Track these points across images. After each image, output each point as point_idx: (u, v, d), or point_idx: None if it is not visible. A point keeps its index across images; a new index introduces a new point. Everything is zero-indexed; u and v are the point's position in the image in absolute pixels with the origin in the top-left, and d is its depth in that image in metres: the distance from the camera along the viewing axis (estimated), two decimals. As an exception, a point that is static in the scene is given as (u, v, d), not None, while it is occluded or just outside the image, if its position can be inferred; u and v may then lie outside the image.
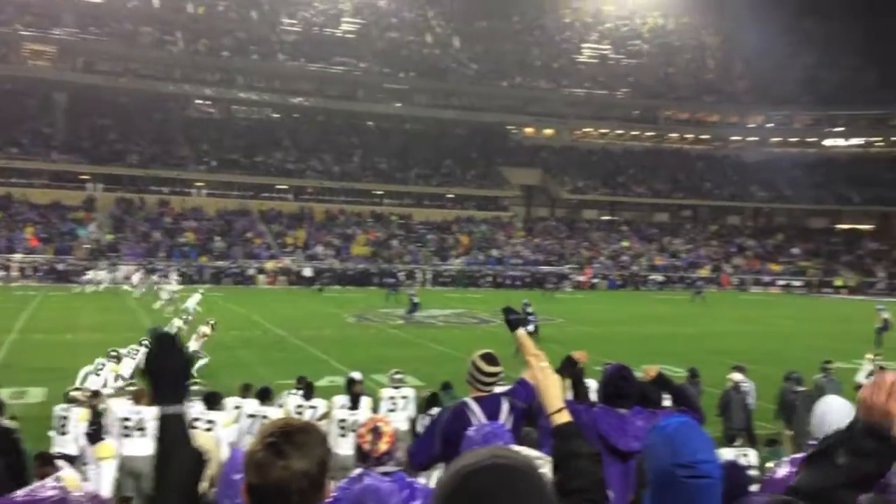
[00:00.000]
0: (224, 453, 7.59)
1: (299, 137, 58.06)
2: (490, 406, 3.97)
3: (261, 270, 44.07)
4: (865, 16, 62.87)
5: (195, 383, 9.22)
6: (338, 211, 53.63)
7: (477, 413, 3.92)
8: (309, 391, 9.38)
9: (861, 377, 13.17)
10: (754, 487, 3.56)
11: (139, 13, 57.05)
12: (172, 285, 30.73)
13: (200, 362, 15.70)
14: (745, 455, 8.29)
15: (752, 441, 10.53)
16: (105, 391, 10.17)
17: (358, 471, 3.31)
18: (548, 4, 72.23)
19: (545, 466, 2.05)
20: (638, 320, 30.26)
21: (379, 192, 56.23)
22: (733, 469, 3.40)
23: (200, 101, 59.90)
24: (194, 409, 7.83)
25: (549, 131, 67.34)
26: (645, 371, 4.47)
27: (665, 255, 55.66)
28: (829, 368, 12.99)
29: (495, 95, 64.01)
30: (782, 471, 3.18)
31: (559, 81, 66.31)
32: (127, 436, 7.62)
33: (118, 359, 12.27)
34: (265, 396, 8.60)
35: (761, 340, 24.99)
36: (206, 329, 16.42)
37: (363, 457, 3.30)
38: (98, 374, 11.56)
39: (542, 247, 54.06)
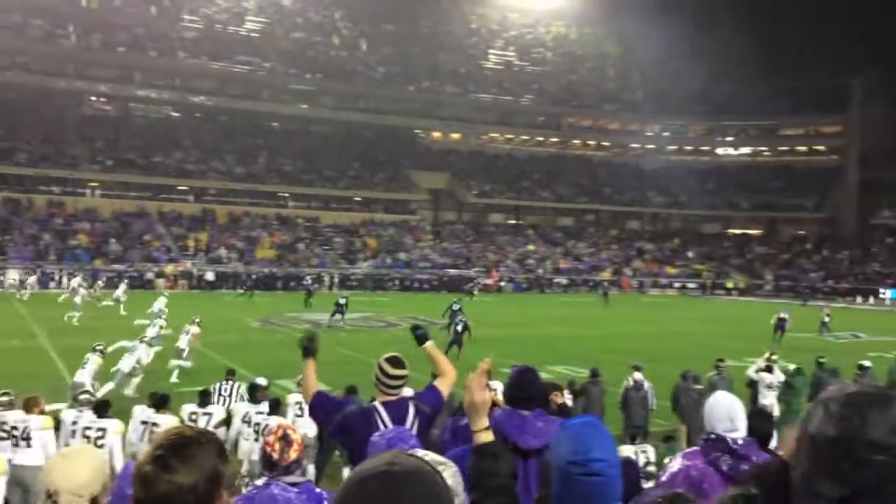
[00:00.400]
0: (118, 463, 7.30)
1: (201, 137, 56.41)
2: (397, 410, 3.96)
3: (159, 274, 42.51)
4: (755, 30, 66.37)
5: (84, 392, 8.85)
6: (242, 213, 52.40)
7: (383, 416, 3.90)
8: (205, 398, 9.12)
9: (751, 372, 13.89)
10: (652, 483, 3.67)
11: (29, 5, 54.07)
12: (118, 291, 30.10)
13: (186, 364, 16.37)
14: (644, 452, 8.55)
15: (644, 437, 10.88)
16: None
17: (263, 479, 3.21)
18: (455, 10, 72.92)
19: (447, 472, 2.05)
20: (543, 322, 30.87)
21: (285, 195, 55.29)
22: (627, 466, 3.53)
23: (95, 98, 57.33)
24: (84, 417, 7.58)
25: (456, 136, 67.97)
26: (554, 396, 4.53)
27: (569, 258, 57.07)
28: (722, 366, 13.62)
29: (403, 99, 64.11)
30: (674, 465, 3.31)
31: (466, 87, 67.06)
32: (15, 445, 7.24)
33: (102, 353, 12.67)
34: (162, 404, 8.31)
35: (659, 341, 25.93)
36: (196, 329, 17.07)
37: (270, 465, 3.22)
38: (84, 367, 12.10)
39: (450, 250, 54.46)
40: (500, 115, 68.71)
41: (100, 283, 34.41)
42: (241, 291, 38.86)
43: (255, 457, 7.42)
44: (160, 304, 22.22)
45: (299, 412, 9.51)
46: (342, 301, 27.44)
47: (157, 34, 57.79)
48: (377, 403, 4.01)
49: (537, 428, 3.44)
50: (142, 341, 14.72)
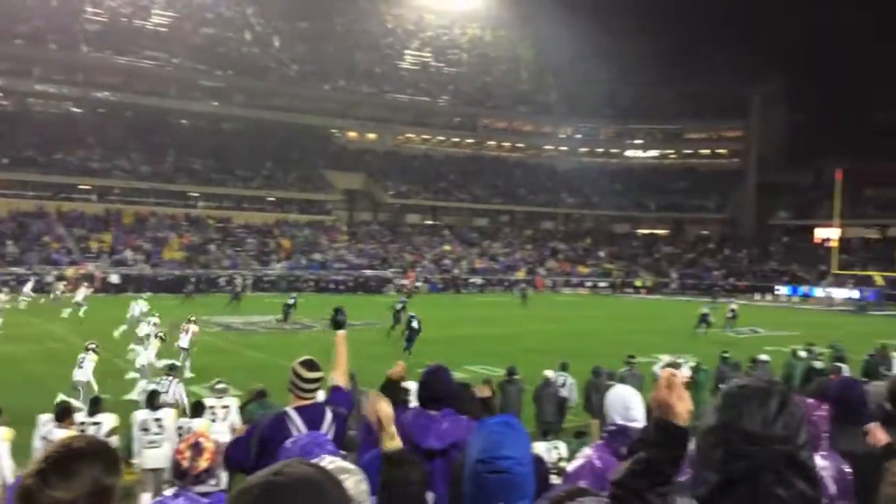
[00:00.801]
0: (8, 473, 6.96)
1: (105, 134, 54.12)
2: (311, 415, 3.88)
3: (60, 277, 40.54)
4: (660, 37, 68.72)
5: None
6: (148, 213, 50.65)
7: (297, 422, 3.82)
8: (95, 406, 8.76)
9: (658, 368, 14.36)
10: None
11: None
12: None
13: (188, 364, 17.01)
14: (556, 448, 8.71)
15: (556, 434, 11.14)
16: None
17: (173, 489, 3.11)
18: (371, 10, 72.57)
19: (350, 480, 2.04)
20: (459, 322, 31.07)
21: (194, 194, 53.72)
22: (536, 463, 3.61)
23: (-11, 93, 54.31)
24: None
25: (372, 136, 67.66)
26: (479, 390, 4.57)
27: (484, 258, 57.66)
28: (633, 362, 14.07)
29: (318, 98, 63.33)
30: (579, 459, 3.43)
31: (382, 86, 66.83)
32: None
33: (95, 351, 13.54)
34: (63, 416, 7.93)
35: (573, 339, 26.50)
36: (195, 327, 17.83)
37: (180, 474, 3.12)
38: (81, 367, 13.06)
39: (366, 251, 54.15)
40: (416, 115, 68.80)
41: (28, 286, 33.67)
42: (187, 295, 36.85)
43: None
44: (140, 307, 23.36)
45: (212, 417, 9.32)
46: (291, 301, 28.24)
47: (57, 26, 55.15)
48: (289, 409, 3.92)
49: (442, 429, 3.46)
50: (157, 336, 16.30)
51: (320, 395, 4.27)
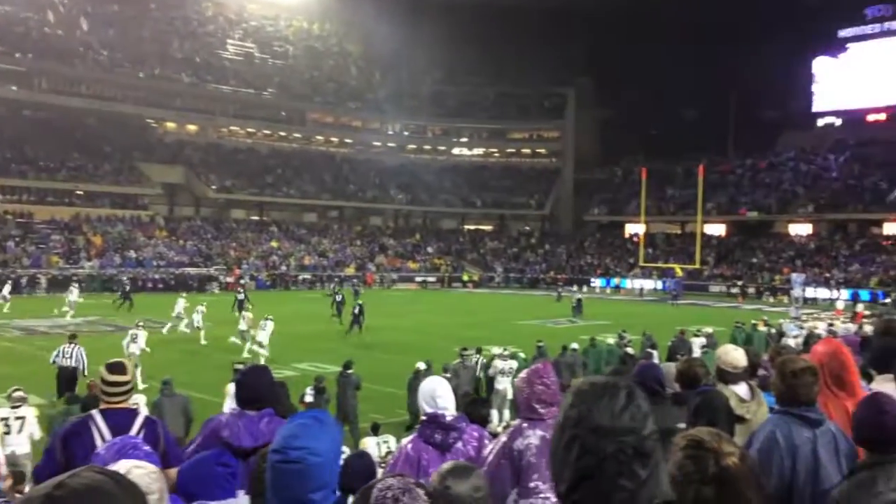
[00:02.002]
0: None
1: None
2: (118, 419, 3.66)
3: None
4: (483, 39, 70.92)
5: None
6: (-66, 208, 45.36)
7: (101, 426, 3.58)
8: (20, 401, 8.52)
9: (499, 363, 14.93)
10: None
11: None
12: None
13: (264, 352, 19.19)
14: (385, 442, 8.77)
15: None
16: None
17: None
18: (190, -5, 69.11)
19: (153, 485, 1.98)
20: (288, 320, 30.38)
21: (-10, 187, 48.72)
22: (358, 458, 3.71)
23: None
24: None
25: (192, 127, 64.53)
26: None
27: (314, 254, 56.86)
28: (465, 355, 14.46)
29: (132, 86, 59.42)
30: (396, 450, 3.53)
31: (203, 76, 63.86)
32: None
33: (143, 326, 17.22)
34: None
35: (404, 333, 26.79)
36: (249, 314, 21.02)
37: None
38: (135, 341, 15.78)
39: (187, 248, 51.64)
40: (240, 107, 66.41)
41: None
42: (122, 300, 33.86)
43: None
44: (181, 305, 25.26)
45: (6, 429, 8.62)
46: (240, 297, 29.60)
47: None
48: (94, 412, 3.67)
49: (258, 429, 3.42)
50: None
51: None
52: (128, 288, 36.10)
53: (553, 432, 1.54)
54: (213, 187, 59.37)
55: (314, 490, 1.92)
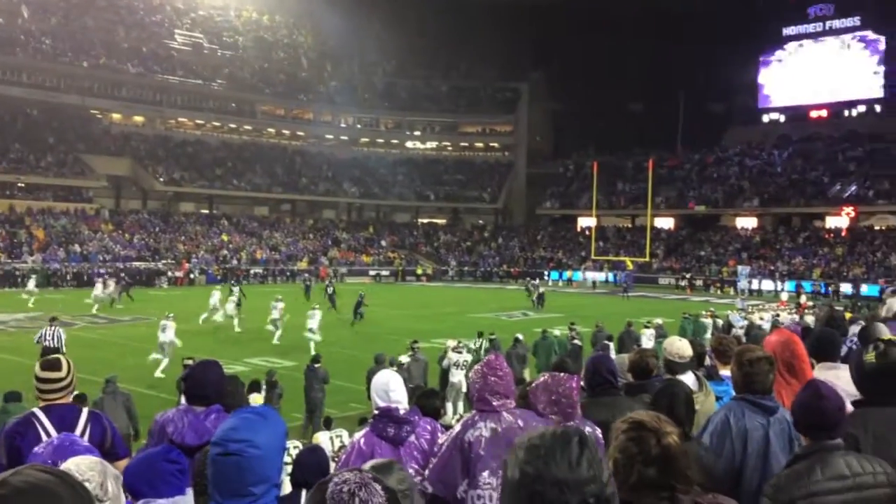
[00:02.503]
0: None
1: None
2: (62, 415, 3.56)
3: None
4: (435, 32, 70.94)
5: None
6: None
7: (45, 423, 3.49)
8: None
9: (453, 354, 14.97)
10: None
11: None
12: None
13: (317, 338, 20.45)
14: (339, 436, 8.73)
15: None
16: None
17: None
18: (135, -17, 67.37)
19: (92, 482, 1.94)
20: (239, 314, 29.98)
21: (-76, 179, 46.90)
22: (310, 452, 3.68)
23: None
24: None
25: (139, 119, 63.04)
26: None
27: (266, 248, 56.16)
28: (416, 347, 14.49)
29: (76, 76, 57.71)
30: (348, 446, 3.53)
31: (150, 66, 62.39)
32: None
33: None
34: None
35: (357, 326, 26.66)
36: (280, 304, 22.36)
37: None
38: (164, 332, 17.39)
39: (135, 241, 50.51)
40: (188, 98, 65.05)
41: None
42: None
43: None
44: (215, 298, 26.98)
45: None
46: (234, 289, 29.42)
47: None
48: (36, 410, 3.57)
49: (203, 426, 3.37)
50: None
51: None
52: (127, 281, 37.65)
53: (507, 492, 1.50)
54: (161, 180, 58.14)
55: (254, 483, 1.91)
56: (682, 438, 1.95)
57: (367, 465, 2.15)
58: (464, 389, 13.74)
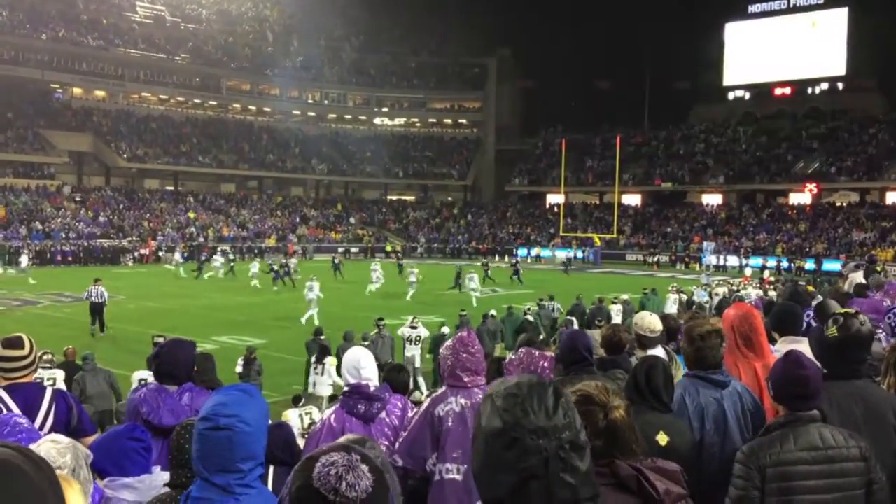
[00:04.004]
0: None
1: None
2: (26, 394, 3.51)
3: None
4: (401, 7, 70.21)
5: None
6: None
7: (8, 403, 3.44)
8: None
9: (403, 329, 15.05)
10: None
11: None
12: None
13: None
14: (308, 413, 8.73)
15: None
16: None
17: None
18: (95, -47, 65.51)
19: (65, 469, 1.93)
20: (206, 291, 29.76)
21: None
22: (276, 428, 3.69)
23: None
24: None
25: (100, 93, 61.64)
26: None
27: (233, 226, 55.55)
28: (382, 325, 14.56)
29: (33, 49, 56.15)
30: (318, 423, 3.55)
31: (110, 40, 60.92)
32: None
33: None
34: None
35: (329, 305, 26.56)
36: (315, 283, 22.78)
37: None
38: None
39: (99, 219, 49.63)
40: (151, 73, 63.72)
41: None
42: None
43: None
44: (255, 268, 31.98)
45: None
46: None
47: None
48: None
49: (179, 405, 3.34)
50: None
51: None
52: (203, 258, 38.58)
53: (481, 440, 1.52)
54: (125, 156, 57.09)
55: (242, 459, 1.92)
56: (628, 412, 1.98)
57: (341, 440, 2.14)
58: (417, 364, 14.08)
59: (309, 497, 1.35)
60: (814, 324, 5.00)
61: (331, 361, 11.73)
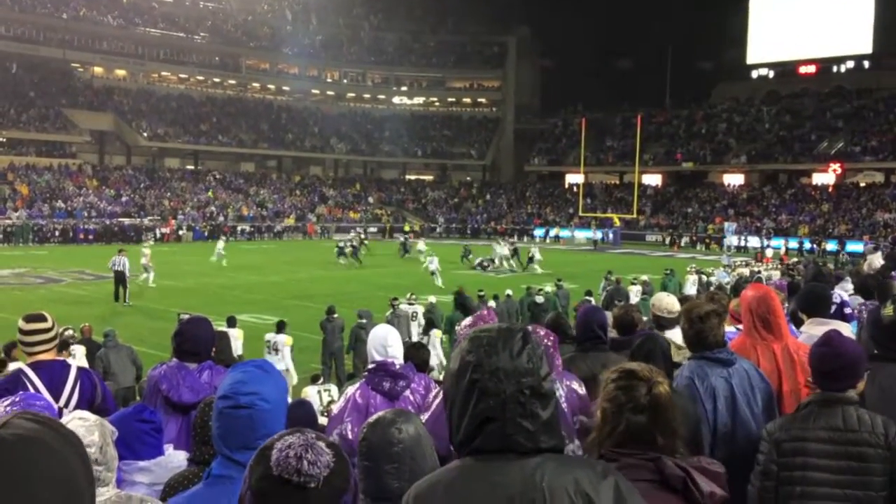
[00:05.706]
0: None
1: None
2: (51, 371, 3.54)
3: None
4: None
5: None
6: None
7: (34, 380, 3.47)
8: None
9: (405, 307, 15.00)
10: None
11: None
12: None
13: None
14: (328, 391, 8.78)
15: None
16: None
17: None
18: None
19: (93, 447, 1.96)
20: (227, 270, 29.97)
21: None
22: (298, 407, 3.71)
23: None
24: None
25: (121, 72, 61.93)
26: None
27: (252, 205, 55.82)
28: (396, 304, 14.67)
29: (56, 28, 56.47)
30: (342, 398, 3.58)
31: (130, 18, 61.07)
32: None
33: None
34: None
35: (340, 283, 26.68)
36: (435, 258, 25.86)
37: None
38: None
39: (120, 198, 50.05)
40: (171, 52, 63.89)
41: None
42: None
43: None
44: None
45: None
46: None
47: None
48: (24, 367, 3.55)
49: (199, 383, 3.36)
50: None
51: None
52: (355, 244, 36.12)
53: (448, 381, 1.53)
54: (145, 135, 57.42)
55: (263, 437, 1.84)
56: (671, 390, 1.97)
57: (390, 414, 2.18)
58: (414, 339, 14.20)
59: (271, 486, 1.31)
60: (846, 307, 4.94)
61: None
